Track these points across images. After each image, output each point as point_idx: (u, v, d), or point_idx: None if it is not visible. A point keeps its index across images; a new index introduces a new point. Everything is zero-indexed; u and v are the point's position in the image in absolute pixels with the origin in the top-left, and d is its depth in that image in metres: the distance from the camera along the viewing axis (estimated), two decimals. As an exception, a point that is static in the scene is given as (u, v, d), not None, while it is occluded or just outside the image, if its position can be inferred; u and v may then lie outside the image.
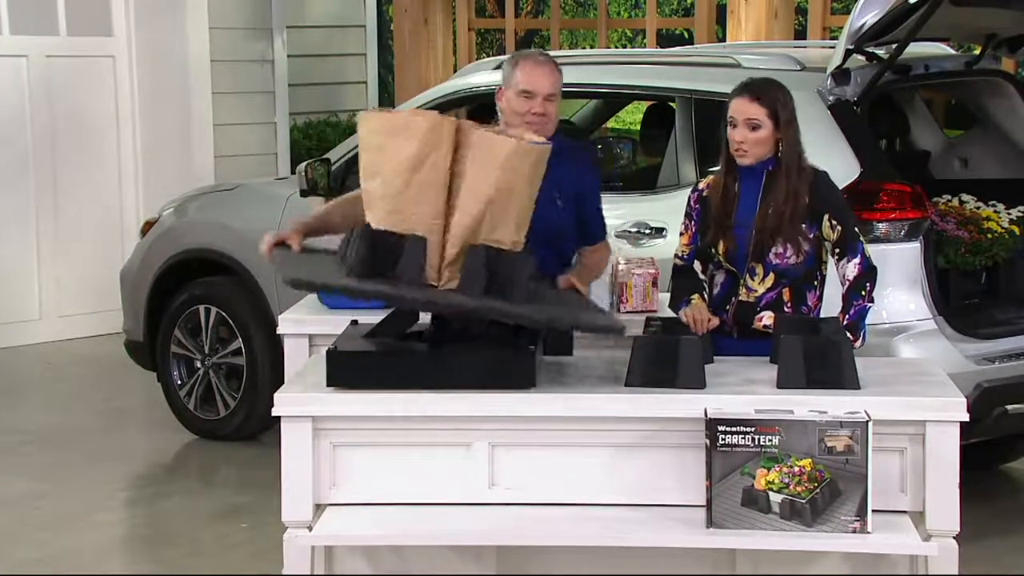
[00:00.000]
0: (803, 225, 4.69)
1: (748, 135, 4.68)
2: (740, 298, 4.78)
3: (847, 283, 4.70)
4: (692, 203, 4.89)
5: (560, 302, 4.44)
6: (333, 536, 4.12)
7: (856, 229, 4.74)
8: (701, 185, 4.91)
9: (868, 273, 4.70)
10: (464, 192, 4.04)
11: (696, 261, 4.89)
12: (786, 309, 4.73)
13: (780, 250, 4.71)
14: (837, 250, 4.72)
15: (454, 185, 4.06)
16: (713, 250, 4.80)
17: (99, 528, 6.18)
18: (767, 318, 4.73)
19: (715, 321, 4.73)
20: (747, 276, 4.77)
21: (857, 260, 4.70)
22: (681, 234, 4.92)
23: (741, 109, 4.68)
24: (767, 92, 4.70)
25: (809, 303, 4.78)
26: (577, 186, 4.97)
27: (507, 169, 4.02)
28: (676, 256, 4.93)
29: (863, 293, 4.68)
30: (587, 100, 8.01)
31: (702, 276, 4.90)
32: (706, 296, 4.84)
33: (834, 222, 4.70)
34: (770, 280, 4.75)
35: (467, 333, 4.19)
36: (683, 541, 4.00)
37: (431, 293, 4.06)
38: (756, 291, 4.76)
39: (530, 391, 4.07)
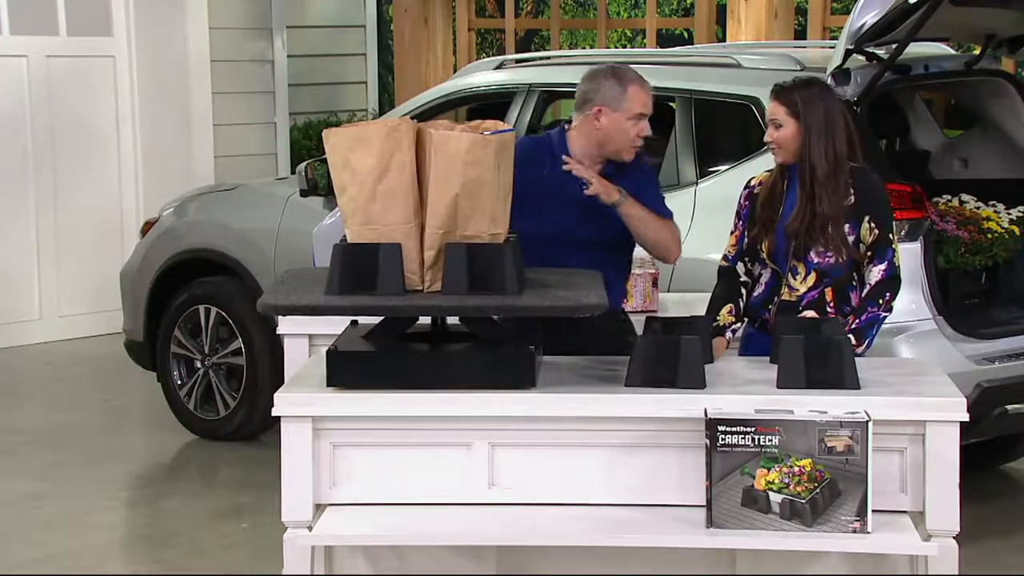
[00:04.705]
0: (846, 225, 4.70)
1: (773, 133, 4.76)
2: (782, 297, 4.78)
3: (867, 287, 4.70)
4: (742, 200, 4.90)
5: (549, 287, 4.37)
6: (333, 536, 4.12)
7: (891, 235, 4.73)
8: (753, 182, 4.92)
9: (890, 281, 4.70)
10: (432, 192, 4.04)
11: (740, 263, 4.88)
12: (828, 309, 4.72)
13: (821, 249, 4.71)
14: (869, 253, 4.72)
15: (423, 187, 4.06)
16: (759, 247, 4.81)
17: (99, 528, 6.18)
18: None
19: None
20: (789, 275, 4.77)
21: (883, 266, 4.69)
22: (731, 233, 4.93)
23: (769, 108, 4.78)
24: (789, 91, 4.73)
25: (853, 303, 4.76)
26: (633, 185, 4.80)
27: (469, 163, 4.02)
28: (723, 256, 4.94)
29: (880, 301, 4.68)
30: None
31: (744, 278, 4.88)
32: (743, 300, 4.85)
33: (872, 224, 4.71)
34: (812, 279, 4.75)
35: (467, 333, 4.19)
36: (683, 541, 3.99)
37: (410, 298, 4.05)
38: (798, 290, 4.76)
39: (530, 391, 4.07)
